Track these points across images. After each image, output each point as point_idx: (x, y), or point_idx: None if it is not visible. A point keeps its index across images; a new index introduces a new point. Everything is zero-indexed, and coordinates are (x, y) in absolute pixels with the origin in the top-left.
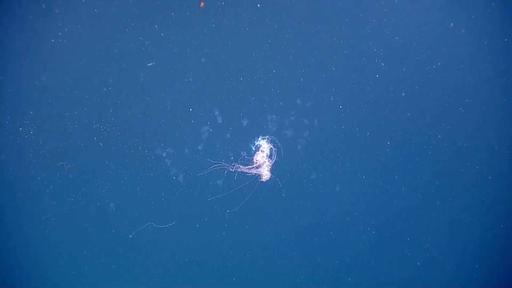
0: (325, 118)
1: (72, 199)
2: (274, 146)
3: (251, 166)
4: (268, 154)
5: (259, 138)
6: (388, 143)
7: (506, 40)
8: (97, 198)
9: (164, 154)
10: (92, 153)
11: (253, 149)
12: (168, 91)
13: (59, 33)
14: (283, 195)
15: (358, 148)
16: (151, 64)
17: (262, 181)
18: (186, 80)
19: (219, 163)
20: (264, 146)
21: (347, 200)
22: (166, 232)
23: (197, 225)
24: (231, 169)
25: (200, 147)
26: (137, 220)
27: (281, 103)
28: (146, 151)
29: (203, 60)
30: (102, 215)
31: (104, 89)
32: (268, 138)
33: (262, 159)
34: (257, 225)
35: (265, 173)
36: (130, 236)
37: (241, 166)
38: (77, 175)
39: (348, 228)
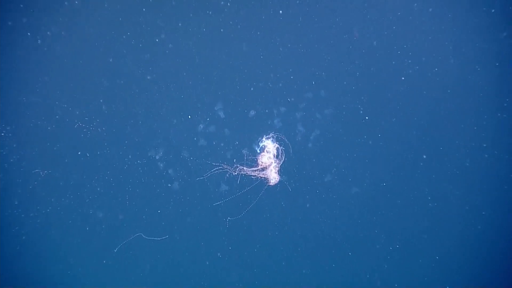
0: (340, 111)
1: (48, 210)
2: (281, 145)
3: (256, 168)
4: (275, 154)
5: (263, 138)
6: (424, 156)
7: None
8: (80, 209)
9: (157, 157)
10: (73, 157)
11: (258, 151)
12: (163, 88)
13: (38, 33)
14: (292, 200)
15: (379, 148)
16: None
17: (270, 185)
18: (182, 76)
19: (219, 166)
20: (269, 146)
21: (366, 208)
22: (160, 245)
23: (195, 236)
24: (233, 172)
25: (197, 149)
26: (126, 231)
27: (288, 95)
28: (136, 154)
29: (199, 58)
30: (85, 228)
31: (87, 85)
32: (273, 137)
33: (269, 160)
34: (263, 235)
35: (273, 176)
36: (115, 250)
37: (244, 168)
38: (56, 184)
39: (369, 243)
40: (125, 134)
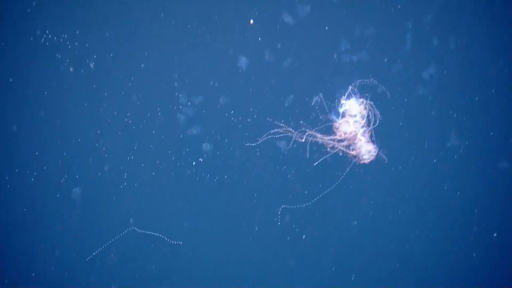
0: None
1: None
2: (367, 98)
3: (335, 137)
4: (364, 114)
5: (342, 101)
6: None
7: None
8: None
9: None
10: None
11: (337, 120)
12: None
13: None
14: (399, 185)
15: None
16: None
17: (363, 162)
18: None
19: (280, 128)
20: (353, 108)
21: None
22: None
23: (229, 239)
24: (299, 139)
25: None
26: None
27: None
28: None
29: None
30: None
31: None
32: (355, 91)
33: (355, 125)
34: (344, 241)
35: (365, 148)
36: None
37: (317, 135)
38: None
39: None
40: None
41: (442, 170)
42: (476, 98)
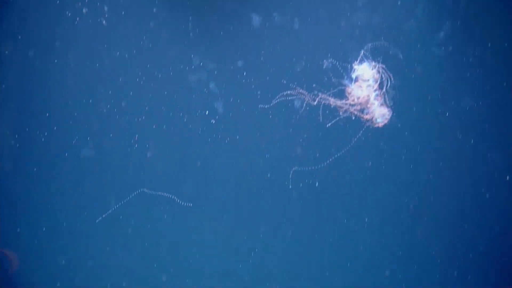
0: None
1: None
2: (379, 62)
3: (347, 101)
4: (377, 78)
5: (354, 66)
6: None
7: None
8: None
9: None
10: None
11: (350, 85)
12: None
13: None
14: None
15: None
16: None
17: (376, 126)
18: None
19: (293, 90)
20: (365, 72)
21: None
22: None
23: (239, 201)
24: (312, 102)
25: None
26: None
27: None
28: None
29: None
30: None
31: None
32: (367, 55)
33: (367, 89)
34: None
35: (379, 111)
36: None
37: (330, 99)
38: None
39: None
40: None
41: (455, 132)
42: (490, 57)
